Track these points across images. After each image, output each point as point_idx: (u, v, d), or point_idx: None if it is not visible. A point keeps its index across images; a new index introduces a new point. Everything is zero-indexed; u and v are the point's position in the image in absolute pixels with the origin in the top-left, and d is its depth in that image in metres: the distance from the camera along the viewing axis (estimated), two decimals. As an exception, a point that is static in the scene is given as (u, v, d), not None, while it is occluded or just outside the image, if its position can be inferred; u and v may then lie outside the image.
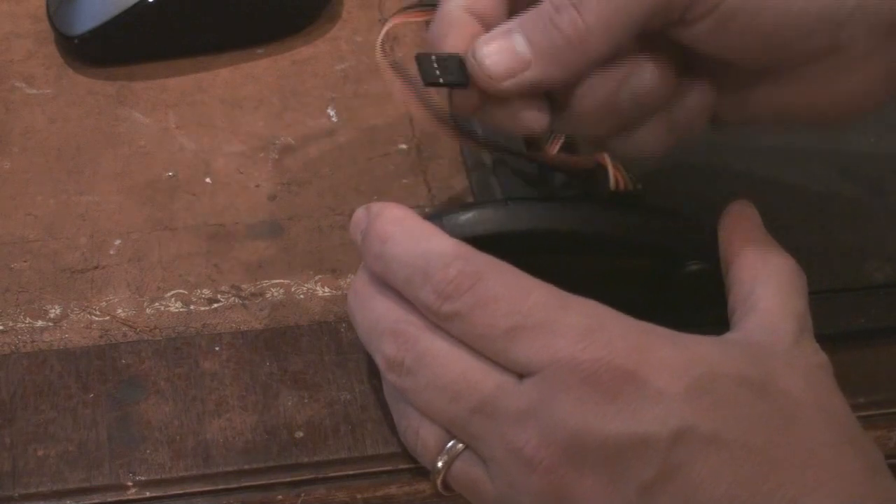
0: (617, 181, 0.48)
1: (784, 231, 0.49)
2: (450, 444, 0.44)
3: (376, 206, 0.46)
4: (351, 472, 0.47)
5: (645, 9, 0.45)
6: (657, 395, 0.41)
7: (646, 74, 0.47)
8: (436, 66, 0.46)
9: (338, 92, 0.60)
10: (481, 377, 0.43)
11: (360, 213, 0.47)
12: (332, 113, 0.60)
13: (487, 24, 0.47)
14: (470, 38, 0.46)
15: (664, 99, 0.48)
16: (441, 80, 0.46)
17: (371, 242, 0.45)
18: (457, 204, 0.55)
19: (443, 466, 0.44)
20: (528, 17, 0.46)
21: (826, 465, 0.42)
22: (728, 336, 0.45)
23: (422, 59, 0.46)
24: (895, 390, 0.51)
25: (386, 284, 0.46)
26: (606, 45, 0.45)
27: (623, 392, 0.41)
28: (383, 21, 0.49)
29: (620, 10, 0.45)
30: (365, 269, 0.47)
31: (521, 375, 0.43)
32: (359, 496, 0.47)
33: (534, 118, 0.47)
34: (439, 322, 0.44)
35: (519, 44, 0.45)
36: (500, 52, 0.45)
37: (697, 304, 0.49)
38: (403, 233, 0.45)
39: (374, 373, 0.49)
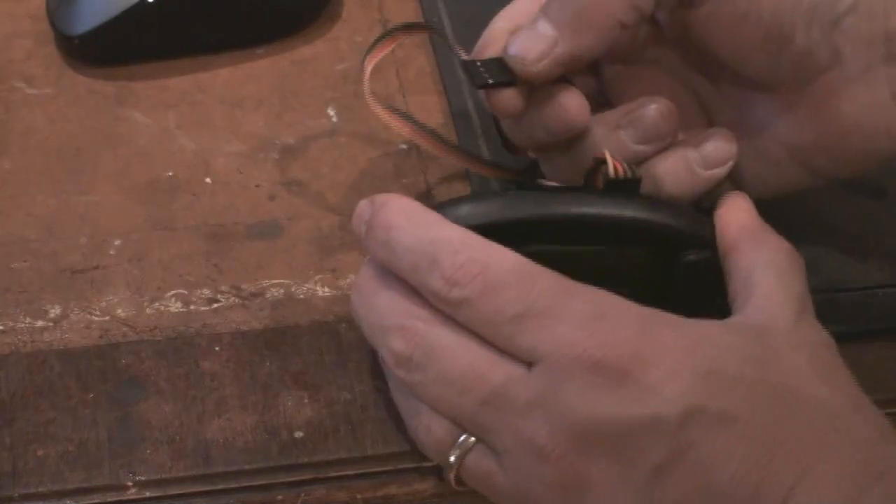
0: (616, 169, 0.48)
1: (784, 231, 0.49)
2: (461, 438, 0.44)
3: (381, 197, 0.46)
4: (351, 472, 0.47)
5: None
6: (663, 377, 0.42)
7: (649, 107, 0.49)
8: (482, 69, 0.49)
9: (338, 92, 0.60)
10: (489, 368, 0.43)
11: (363, 204, 0.47)
12: (332, 113, 0.60)
13: None
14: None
15: (667, 134, 0.50)
16: (490, 82, 0.49)
17: (376, 231, 0.46)
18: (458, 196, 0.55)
19: (455, 461, 0.45)
20: (548, 3, 0.49)
21: (835, 434, 0.42)
22: (730, 320, 0.46)
23: (468, 65, 0.49)
24: (895, 390, 0.51)
25: (390, 279, 0.46)
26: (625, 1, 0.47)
27: (629, 377, 0.42)
28: (364, 61, 0.51)
29: None
30: (368, 266, 0.47)
31: (528, 364, 0.43)
32: (359, 496, 0.47)
33: (577, 108, 0.49)
34: (447, 309, 0.44)
35: (543, 27, 0.48)
36: (529, 38, 0.48)
37: (697, 293, 0.49)
38: (409, 221, 0.45)
39: (374, 373, 0.49)
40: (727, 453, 0.41)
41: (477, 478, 0.45)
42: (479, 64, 0.49)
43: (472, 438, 0.44)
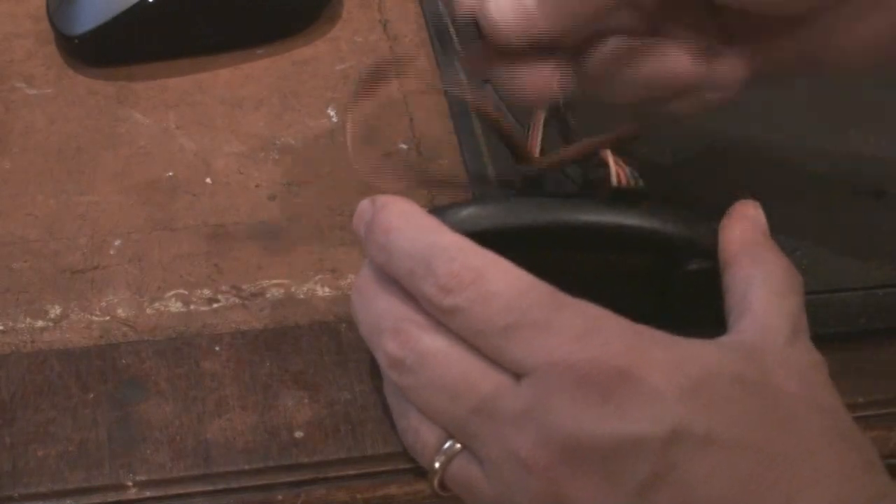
0: (619, 177, 0.48)
1: (784, 231, 0.49)
2: (447, 444, 0.44)
3: (382, 199, 0.46)
4: (351, 472, 0.47)
5: None
6: (652, 395, 0.41)
7: (675, 58, 0.48)
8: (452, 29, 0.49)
9: (338, 92, 0.60)
10: (480, 377, 0.43)
11: (364, 204, 0.47)
12: (332, 113, 0.60)
13: None
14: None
15: (694, 81, 0.49)
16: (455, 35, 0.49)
17: (376, 233, 0.46)
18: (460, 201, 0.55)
19: (440, 467, 0.44)
20: None
21: (821, 461, 0.42)
22: (722, 339, 0.46)
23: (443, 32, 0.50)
24: (895, 390, 0.51)
25: (389, 282, 0.46)
26: None
27: (617, 392, 0.42)
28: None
29: None
30: (368, 267, 0.47)
31: (517, 375, 0.43)
32: (359, 496, 0.47)
33: (554, 78, 0.48)
34: (439, 316, 0.44)
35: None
36: (508, 6, 0.46)
37: (698, 303, 0.49)
38: (408, 225, 0.45)
39: (374, 373, 0.49)
40: (712, 475, 0.41)
41: (460, 484, 0.45)
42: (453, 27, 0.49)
43: (458, 445, 0.44)
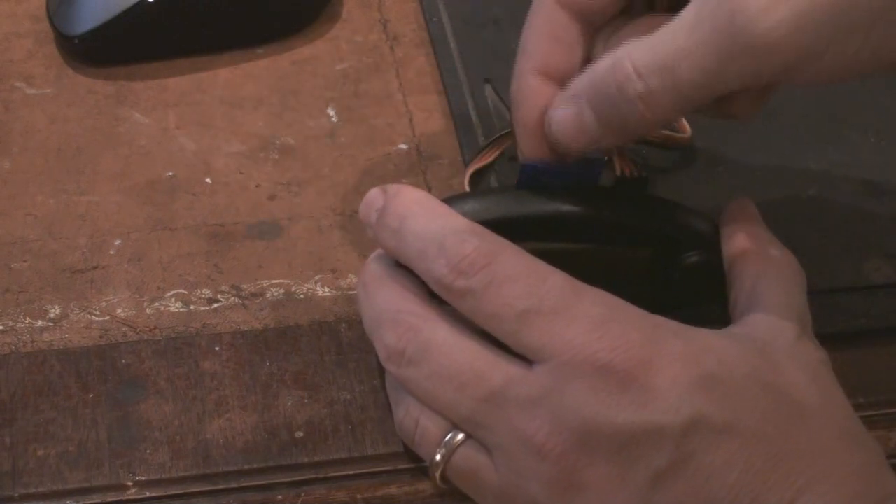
0: (622, 168, 0.48)
1: (784, 231, 0.49)
2: (449, 435, 0.44)
3: (393, 187, 0.46)
4: (351, 472, 0.47)
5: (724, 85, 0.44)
6: (670, 384, 0.42)
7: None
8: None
9: (338, 92, 0.60)
10: (489, 366, 0.43)
11: (374, 193, 0.47)
12: (332, 113, 0.60)
13: (561, 80, 0.48)
14: (539, 108, 0.48)
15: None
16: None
17: (389, 218, 0.45)
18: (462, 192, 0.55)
19: (442, 458, 0.44)
20: (592, 85, 0.46)
21: (832, 457, 0.42)
22: (733, 330, 0.46)
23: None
24: (895, 390, 0.51)
25: (393, 276, 0.46)
26: (673, 112, 0.45)
27: (636, 382, 0.42)
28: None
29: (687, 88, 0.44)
30: (374, 262, 0.47)
31: (530, 361, 0.43)
32: (359, 496, 0.47)
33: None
34: (449, 297, 0.44)
35: (587, 116, 0.46)
36: (569, 123, 0.47)
37: (697, 295, 0.49)
38: (422, 210, 0.45)
39: (374, 373, 0.49)
40: (727, 464, 0.41)
41: (464, 474, 0.44)
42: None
43: (461, 435, 0.44)
